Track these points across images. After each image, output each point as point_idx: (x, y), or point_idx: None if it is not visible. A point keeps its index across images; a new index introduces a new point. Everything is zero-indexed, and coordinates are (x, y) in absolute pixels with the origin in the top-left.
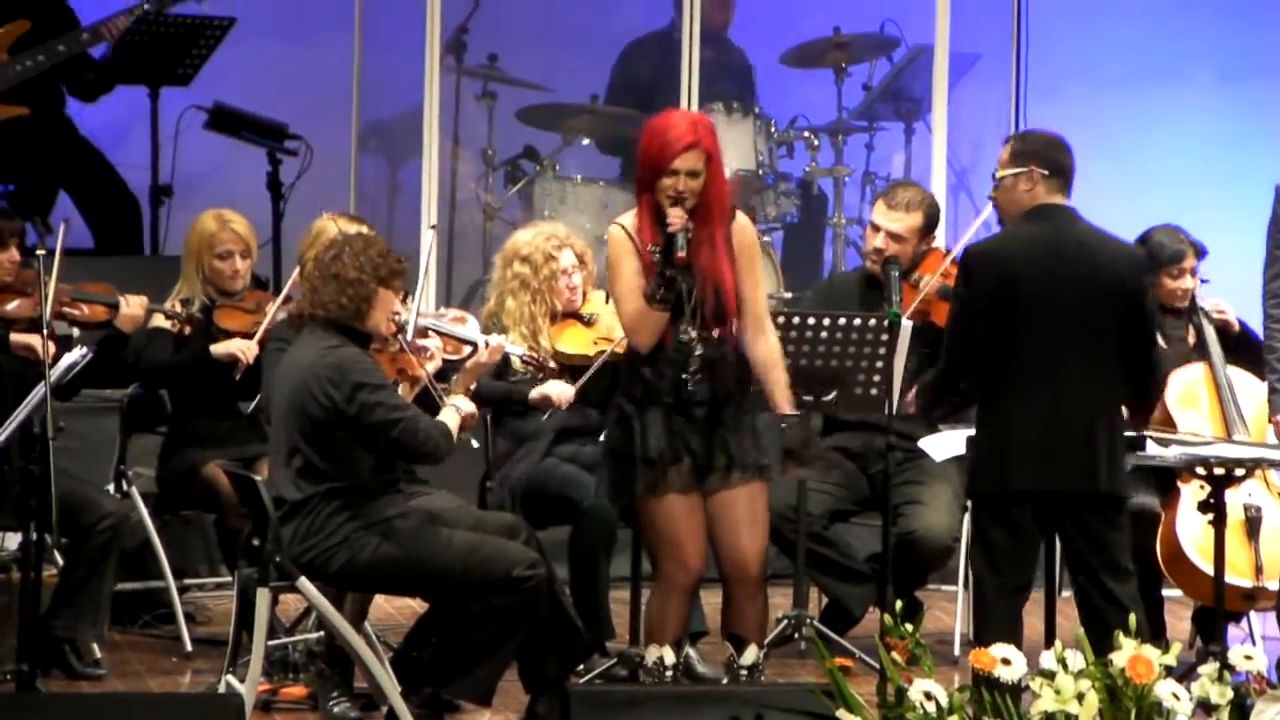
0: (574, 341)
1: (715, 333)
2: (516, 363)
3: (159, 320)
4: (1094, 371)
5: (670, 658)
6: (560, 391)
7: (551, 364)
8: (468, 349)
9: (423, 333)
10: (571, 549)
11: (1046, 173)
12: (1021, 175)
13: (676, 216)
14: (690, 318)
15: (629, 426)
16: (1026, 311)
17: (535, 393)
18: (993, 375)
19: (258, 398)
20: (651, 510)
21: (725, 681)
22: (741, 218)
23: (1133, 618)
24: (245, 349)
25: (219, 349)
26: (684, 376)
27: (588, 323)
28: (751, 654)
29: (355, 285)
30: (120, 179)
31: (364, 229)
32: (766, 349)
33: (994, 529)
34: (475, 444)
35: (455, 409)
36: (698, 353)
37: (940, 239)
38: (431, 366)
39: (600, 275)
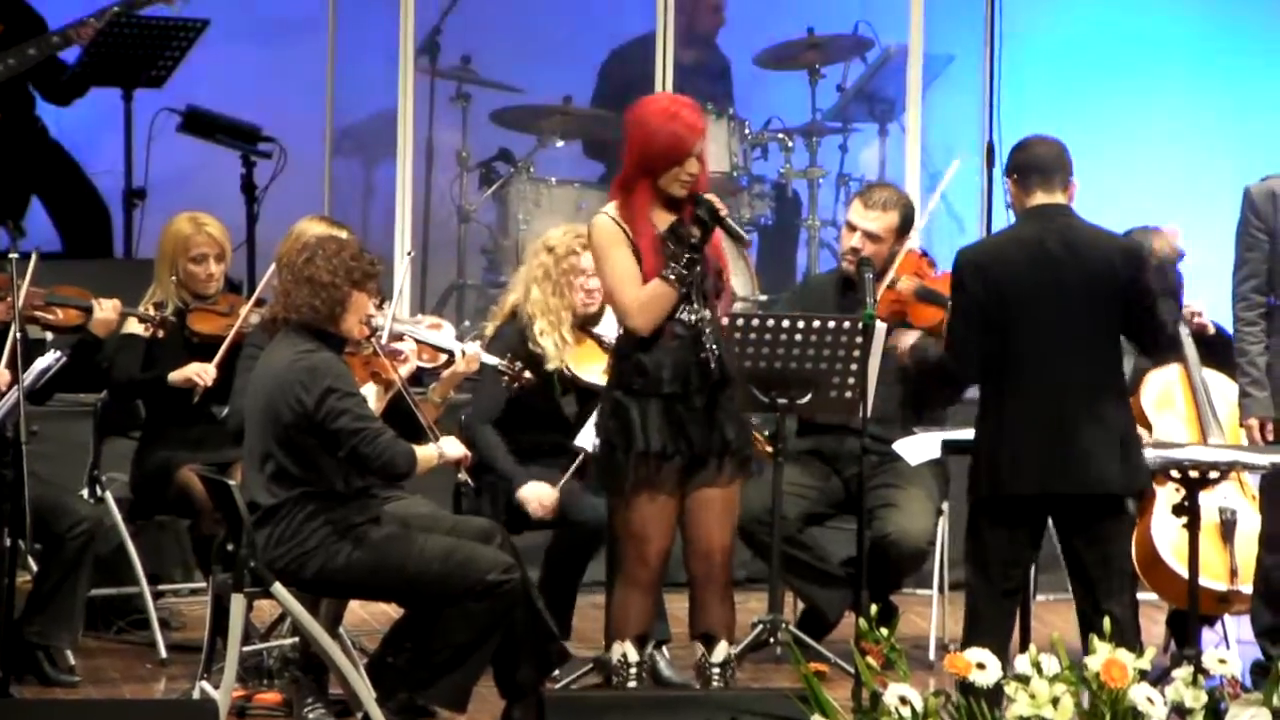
0: (590, 366)
1: (709, 313)
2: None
3: (132, 325)
4: (1093, 369)
5: (634, 654)
6: (539, 497)
7: (527, 374)
8: (443, 356)
9: (398, 338)
10: (549, 556)
11: (1016, 177)
12: (1009, 189)
13: (715, 198)
14: (692, 300)
15: (626, 419)
16: (1018, 313)
17: (519, 494)
18: (989, 379)
19: (230, 401)
20: (632, 504)
21: (697, 683)
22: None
23: (1107, 621)
24: (202, 372)
25: (176, 376)
26: (702, 356)
27: (605, 348)
28: (722, 651)
29: (328, 289)
30: (90, 183)
31: (343, 234)
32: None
33: (989, 534)
34: (471, 483)
35: (440, 451)
36: (708, 330)
37: (915, 239)
38: (405, 370)
39: None
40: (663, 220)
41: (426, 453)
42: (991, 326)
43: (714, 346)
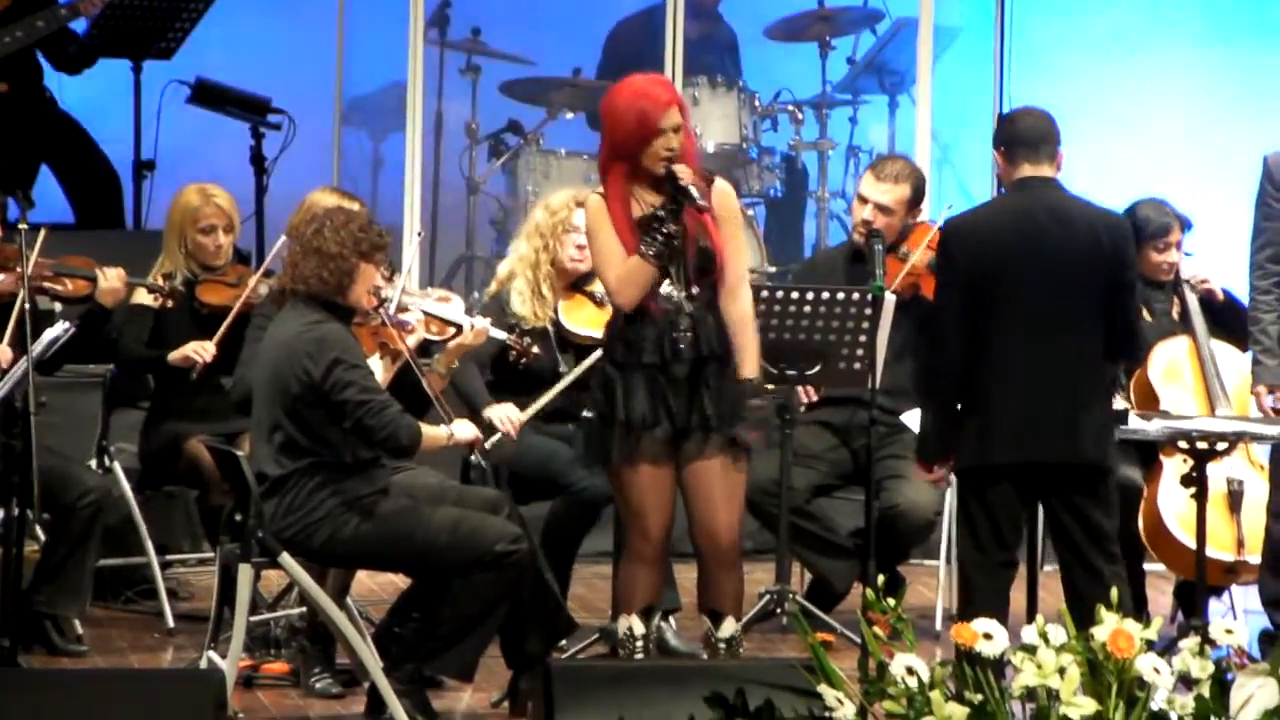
0: (585, 320)
1: (697, 290)
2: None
3: (141, 295)
4: (1074, 341)
5: (640, 627)
6: (505, 415)
7: (534, 349)
8: (451, 330)
9: (405, 310)
10: (548, 526)
11: (1004, 149)
12: (997, 162)
13: (686, 172)
14: (676, 276)
15: (611, 391)
16: (1001, 283)
17: (485, 414)
18: (972, 349)
19: (237, 372)
20: (624, 478)
21: (705, 656)
22: (722, 183)
23: (1114, 592)
24: (201, 349)
25: (174, 356)
26: (675, 335)
27: (599, 303)
28: (729, 627)
29: (336, 260)
30: (101, 153)
31: (354, 205)
32: (739, 312)
33: (975, 505)
34: (484, 463)
35: (451, 433)
36: (686, 310)
37: (926, 212)
38: (413, 340)
39: None
40: (654, 199)
41: (435, 433)
42: (976, 295)
43: (687, 330)
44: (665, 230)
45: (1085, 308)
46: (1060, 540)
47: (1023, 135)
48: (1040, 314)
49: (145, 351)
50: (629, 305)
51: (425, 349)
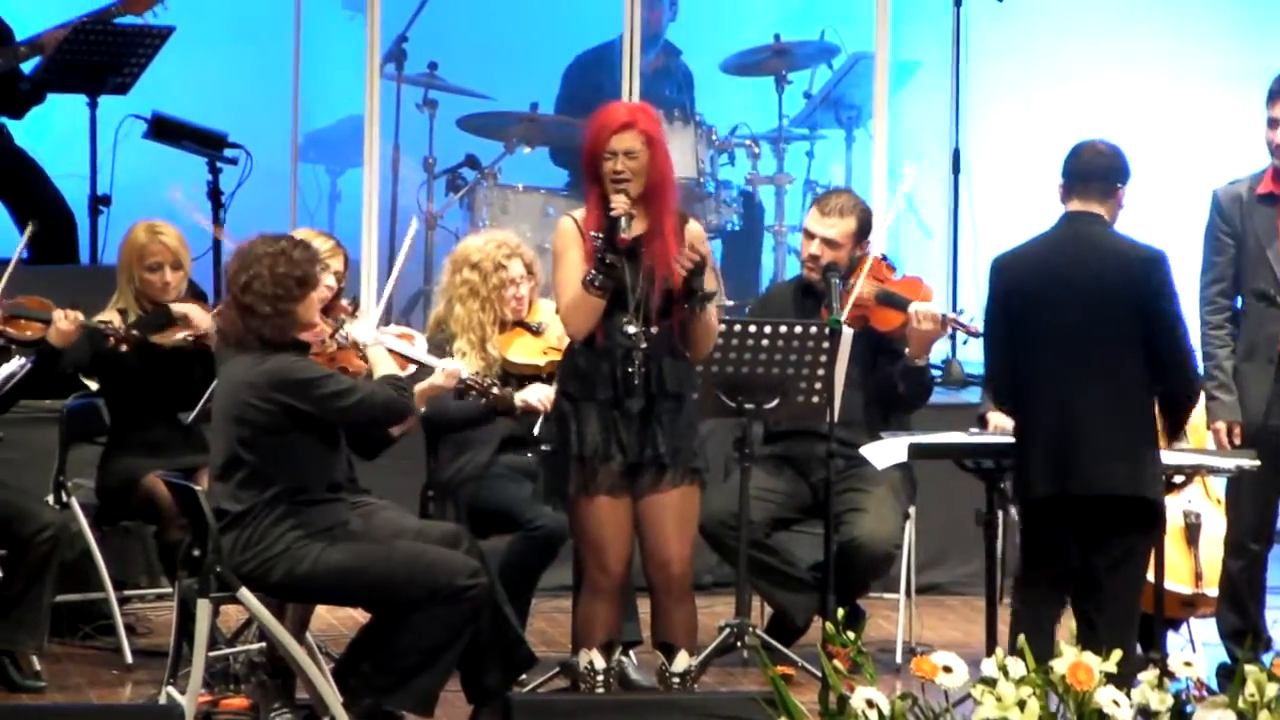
0: (523, 351)
1: (655, 330)
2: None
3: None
4: (1109, 373)
5: (600, 662)
6: (541, 395)
7: (495, 390)
8: (412, 367)
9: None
10: (507, 561)
11: (1063, 181)
12: (1060, 191)
13: (620, 201)
14: (634, 312)
15: (565, 423)
16: (1033, 317)
17: (519, 400)
18: (1014, 383)
19: (199, 405)
20: (581, 511)
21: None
22: (694, 225)
23: (1072, 625)
24: (193, 317)
25: (178, 307)
26: (629, 371)
27: (536, 332)
28: (682, 661)
29: (274, 316)
30: (55, 189)
31: (326, 241)
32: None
33: (1026, 537)
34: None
35: (443, 370)
36: (641, 346)
37: (880, 245)
38: (357, 324)
39: (547, 284)
40: (634, 224)
41: (381, 359)
42: (1008, 328)
43: (641, 367)
44: (605, 260)
45: (1119, 340)
46: (1084, 577)
47: (1076, 169)
48: (1074, 347)
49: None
50: (577, 335)
51: None
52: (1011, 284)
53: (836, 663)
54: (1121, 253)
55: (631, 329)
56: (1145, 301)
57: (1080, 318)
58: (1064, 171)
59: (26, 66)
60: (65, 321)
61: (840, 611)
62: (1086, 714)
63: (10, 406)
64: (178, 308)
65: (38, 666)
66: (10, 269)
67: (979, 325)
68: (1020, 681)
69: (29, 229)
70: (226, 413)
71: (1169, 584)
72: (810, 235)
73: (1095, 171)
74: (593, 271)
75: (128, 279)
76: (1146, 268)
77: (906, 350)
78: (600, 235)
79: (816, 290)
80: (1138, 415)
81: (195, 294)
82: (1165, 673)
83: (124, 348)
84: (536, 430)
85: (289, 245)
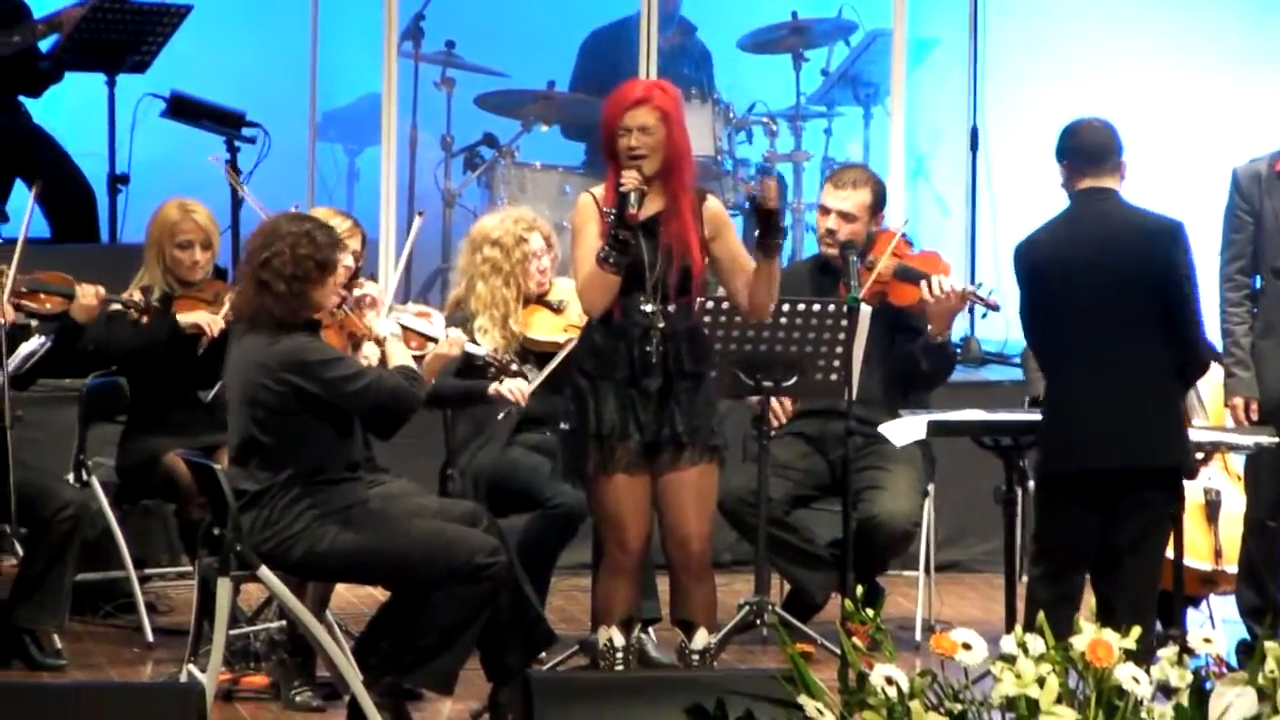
0: (544, 328)
1: (673, 308)
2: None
3: (116, 309)
4: (1137, 349)
5: (619, 639)
6: (516, 388)
7: (514, 365)
8: (431, 345)
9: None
10: (525, 539)
11: (1068, 162)
12: (1062, 173)
13: (630, 177)
14: (651, 291)
15: (583, 402)
16: (1055, 295)
17: (492, 389)
18: (1042, 362)
19: (218, 385)
20: (599, 489)
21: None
22: (713, 200)
23: (1092, 602)
24: (211, 322)
25: (185, 318)
26: (647, 350)
27: (556, 309)
28: (702, 638)
29: (289, 297)
30: (76, 168)
31: (344, 221)
32: (760, 297)
33: (1044, 515)
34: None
35: (392, 335)
36: (659, 325)
37: (896, 220)
38: (373, 315)
39: (565, 261)
40: (651, 202)
41: (398, 352)
42: (1036, 309)
43: (659, 346)
44: (616, 235)
45: (1146, 313)
46: (1106, 549)
47: (1086, 148)
48: (1100, 325)
49: (141, 338)
50: (593, 311)
51: None
52: (1036, 267)
53: (856, 640)
54: (1141, 225)
55: (649, 308)
56: (1163, 272)
57: (1107, 294)
58: (1067, 153)
59: (44, 45)
60: (88, 296)
61: (859, 589)
62: (1106, 690)
63: (30, 385)
64: (184, 319)
65: (59, 645)
66: (22, 238)
67: (998, 299)
68: (1040, 659)
69: (35, 186)
70: (240, 395)
71: (1189, 561)
72: (825, 210)
73: (1103, 148)
74: (606, 248)
75: (156, 255)
76: (1165, 239)
77: (928, 327)
78: (613, 212)
79: (834, 267)
80: (1167, 386)
81: (218, 273)
82: (1185, 650)
83: (145, 319)
84: (500, 416)
85: (314, 227)
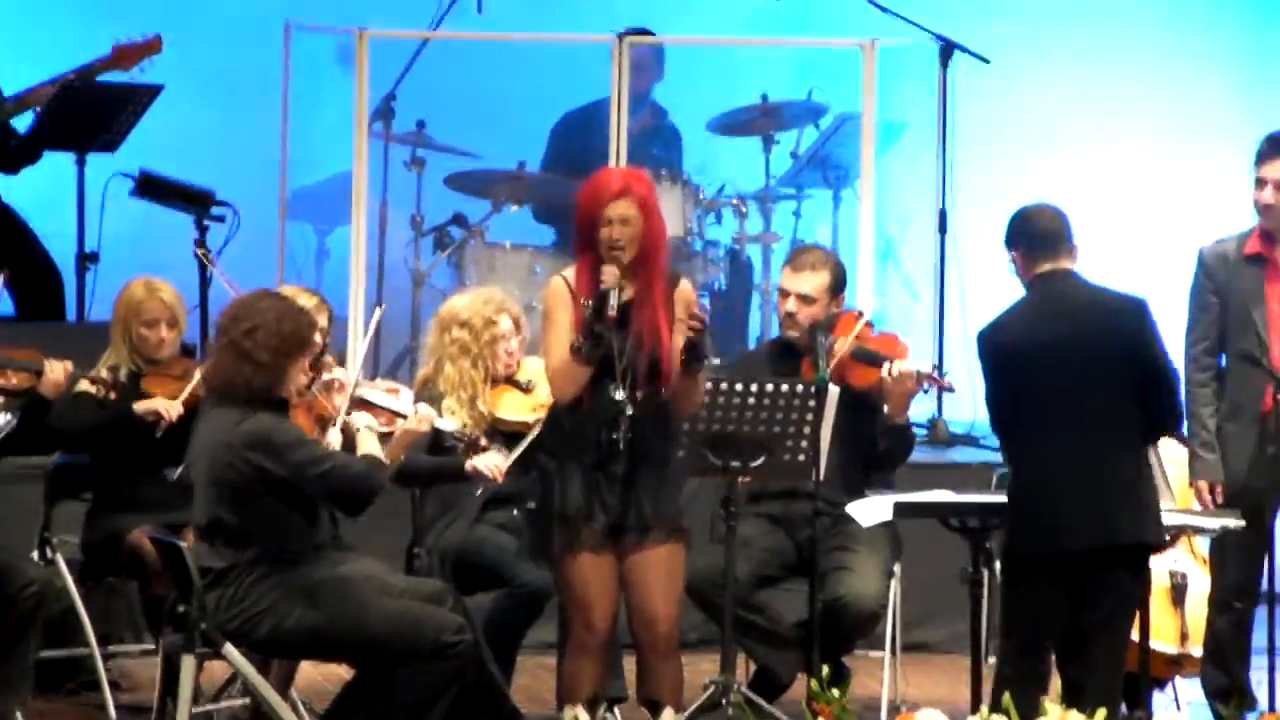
0: (513, 408)
1: (641, 395)
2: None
3: (84, 386)
4: (1107, 428)
5: (585, 718)
6: (491, 464)
7: (483, 442)
8: (400, 421)
9: (358, 403)
10: (491, 618)
11: (1023, 249)
12: (1014, 261)
13: (609, 274)
14: (620, 378)
15: (549, 482)
16: (1022, 377)
17: (469, 465)
18: (1006, 445)
19: (183, 465)
20: (566, 569)
21: None
22: (685, 285)
23: (1056, 683)
24: (168, 407)
25: (141, 406)
26: (614, 437)
27: (525, 389)
28: (668, 717)
29: (270, 369)
30: (41, 246)
31: (311, 298)
32: None
33: (1011, 593)
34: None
35: (367, 429)
36: (628, 413)
37: (866, 303)
38: (341, 399)
39: (534, 341)
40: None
41: (370, 444)
42: (1000, 394)
43: (626, 432)
44: (592, 329)
45: (1113, 391)
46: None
47: (1040, 233)
48: (1069, 405)
49: (96, 417)
50: (562, 399)
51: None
52: (1002, 350)
53: None
54: (1107, 304)
55: (618, 395)
56: (1133, 349)
57: (1075, 374)
58: (1021, 239)
59: (19, 123)
60: (56, 371)
61: (825, 669)
62: None
63: None
64: (140, 406)
65: None
66: None
67: (951, 381)
68: None
69: (3, 273)
70: (207, 473)
71: (1155, 644)
72: (785, 293)
73: (1056, 233)
74: (580, 339)
75: (122, 334)
76: (1132, 316)
77: (885, 408)
78: (589, 304)
79: (796, 348)
80: (1134, 462)
81: (185, 351)
82: None
83: (113, 395)
84: (479, 492)
85: (294, 307)
